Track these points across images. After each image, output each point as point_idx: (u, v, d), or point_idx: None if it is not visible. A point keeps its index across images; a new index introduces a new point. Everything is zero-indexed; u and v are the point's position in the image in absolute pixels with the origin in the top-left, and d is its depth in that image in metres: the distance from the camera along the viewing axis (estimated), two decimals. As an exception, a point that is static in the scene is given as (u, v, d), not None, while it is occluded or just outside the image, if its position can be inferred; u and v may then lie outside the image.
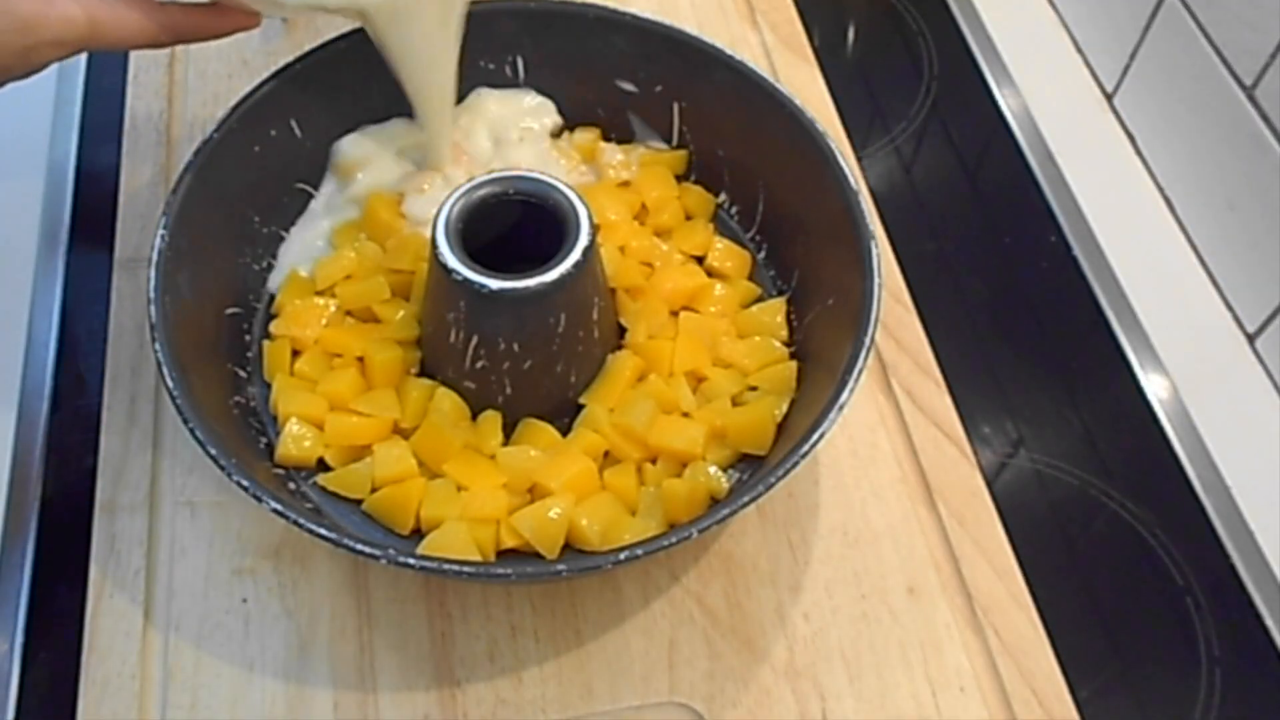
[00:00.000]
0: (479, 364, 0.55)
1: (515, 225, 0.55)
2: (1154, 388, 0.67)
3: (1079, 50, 0.80)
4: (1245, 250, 0.67)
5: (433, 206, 0.54)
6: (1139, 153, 0.75)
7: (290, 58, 0.60)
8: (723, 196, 0.65)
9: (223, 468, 0.48)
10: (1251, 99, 0.64)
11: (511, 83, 0.65)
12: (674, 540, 0.47)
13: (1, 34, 0.45)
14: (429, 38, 0.53)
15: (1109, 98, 0.78)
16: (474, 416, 0.57)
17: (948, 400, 0.63)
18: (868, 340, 0.52)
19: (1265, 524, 0.61)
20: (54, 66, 0.50)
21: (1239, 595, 0.60)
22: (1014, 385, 0.67)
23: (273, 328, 0.59)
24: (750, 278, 0.63)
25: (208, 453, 0.49)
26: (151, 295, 0.52)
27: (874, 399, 0.62)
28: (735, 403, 0.57)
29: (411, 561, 0.47)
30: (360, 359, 0.58)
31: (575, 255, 0.52)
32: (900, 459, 0.61)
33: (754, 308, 0.61)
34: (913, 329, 0.65)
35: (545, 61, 0.65)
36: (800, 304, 0.61)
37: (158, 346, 0.51)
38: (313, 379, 0.57)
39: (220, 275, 0.59)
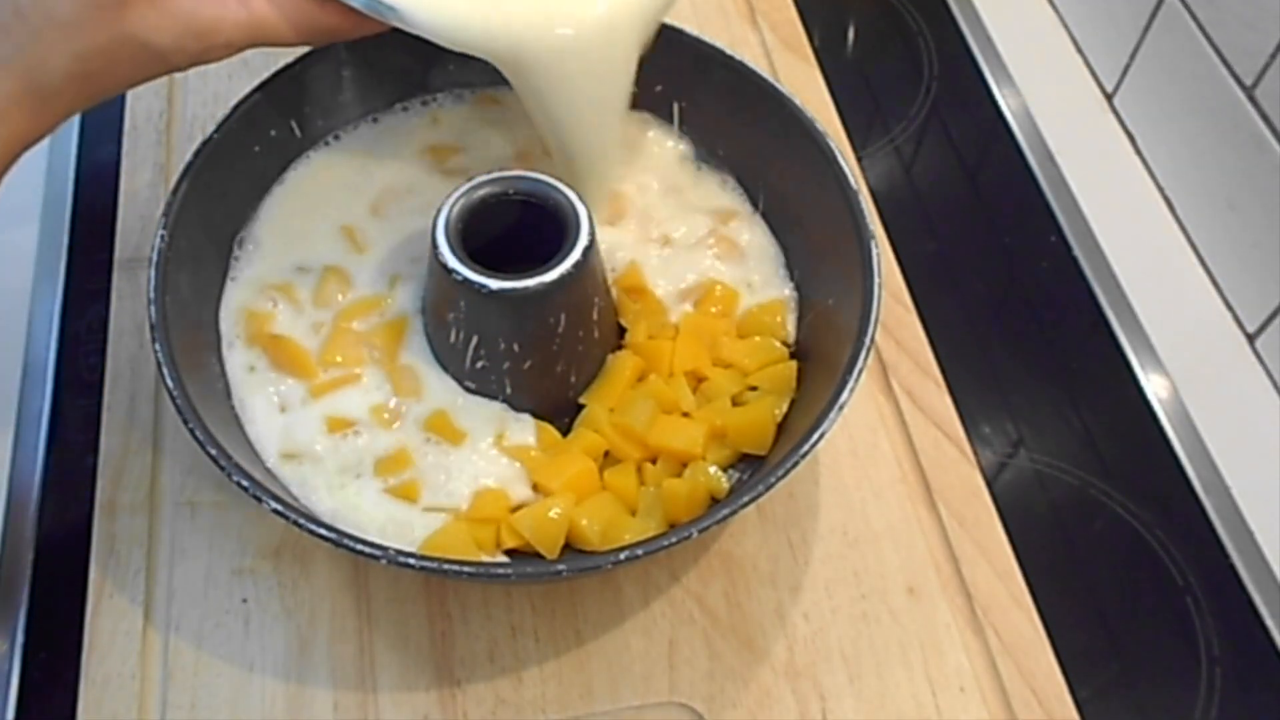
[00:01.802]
0: (479, 364, 0.55)
1: (515, 225, 0.55)
2: (1154, 388, 0.67)
3: (1079, 50, 0.80)
4: (1245, 250, 0.67)
5: None
6: (1139, 153, 0.75)
7: (290, 58, 0.60)
8: (723, 196, 0.65)
9: (223, 468, 0.48)
10: (1251, 99, 0.64)
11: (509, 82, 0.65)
12: (674, 540, 0.47)
13: (179, 39, 0.46)
14: (602, 79, 0.47)
15: (1109, 98, 0.78)
16: (474, 416, 0.57)
17: (948, 400, 0.63)
18: (868, 340, 0.52)
19: (1265, 524, 0.61)
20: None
21: (1239, 595, 0.60)
22: (1014, 385, 0.67)
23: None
24: (750, 277, 0.63)
25: (207, 453, 0.48)
26: (151, 295, 0.52)
27: (874, 399, 0.62)
28: (735, 403, 0.57)
29: (411, 561, 0.47)
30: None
31: (575, 255, 0.52)
32: (900, 459, 0.61)
33: (754, 307, 0.61)
34: (913, 329, 0.65)
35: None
36: (800, 304, 0.61)
37: (158, 346, 0.51)
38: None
39: (220, 275, 0.59)
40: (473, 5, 0.47)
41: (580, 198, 0.54)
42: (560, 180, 0.53)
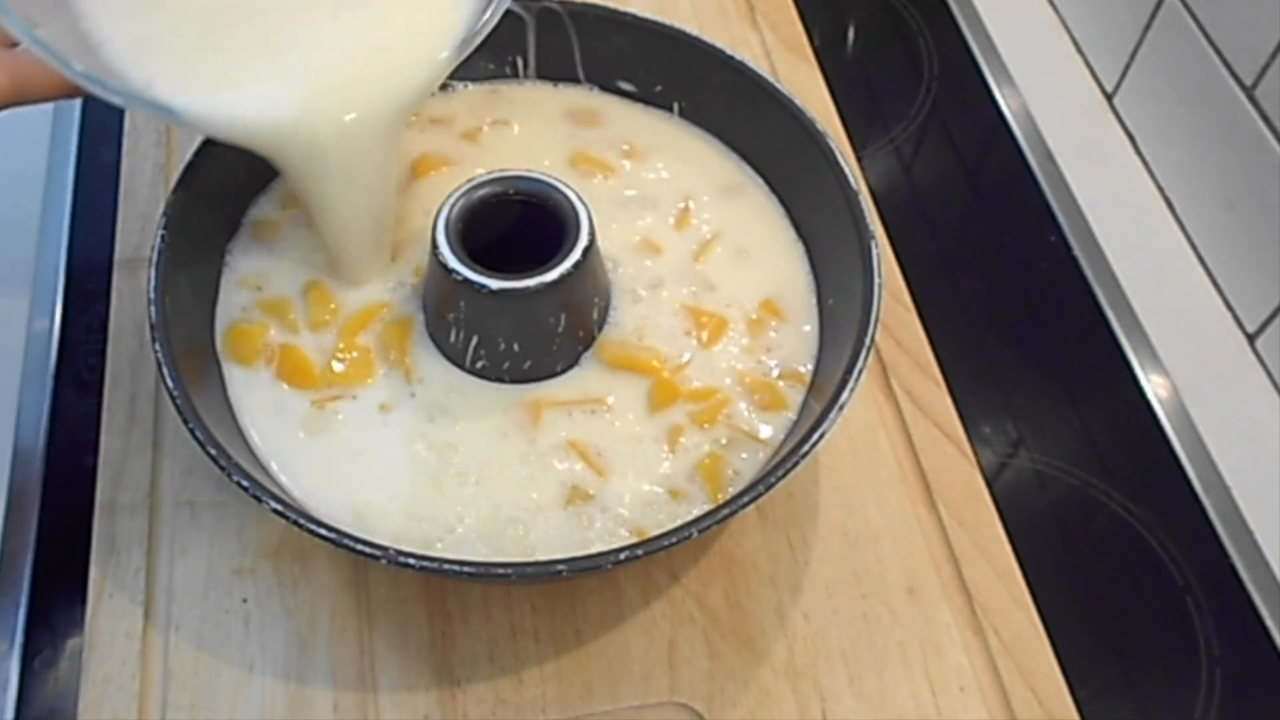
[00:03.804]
0: (479, 363, 0.55)
1: (515, 225, 0.55)
2: (1154, 388, 0.67)
3: (1079, 50, 0.80)
4: (1245, 250, 0.67)
5: None
6: (1139, 153, 0.75)
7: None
8: (723, 196, 0.65)
9: (223, 468, 0.48)
10: (1251, 99, 0.64)
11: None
12: (674, 540, 0.47)
13: None
14: (365, 165, 0.49)
15: (1109, 98, 0.78)
16: (474, 416, 0.57)
17: (948, 400, 0.63)
18: (868, 340, 0.52)
19: (1265, 524, 0.61)
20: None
21: (1239, 595, 0.60)
22: (1014, 385, 0.67)
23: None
24: (750, 278, 0.63)
25: (207, 453, 0.48)
26: (151, 295, 0.52)
27: (874, 399, 0.62)
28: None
29: (411, 561, 0.47)
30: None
31: (575, 255, 0.52)
32: (900, 459, 0.61)
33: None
34: (913, 329, 0.65)
35: (546, 61, 0.65)
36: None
37: (158, 346, 0.51)
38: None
39: (220, 275, 0.59)
40: (259, 98, 0.46)
41: (581, 197, 0.54)
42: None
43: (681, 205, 0.62)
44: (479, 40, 0.49)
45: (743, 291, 0.59)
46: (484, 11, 0.49)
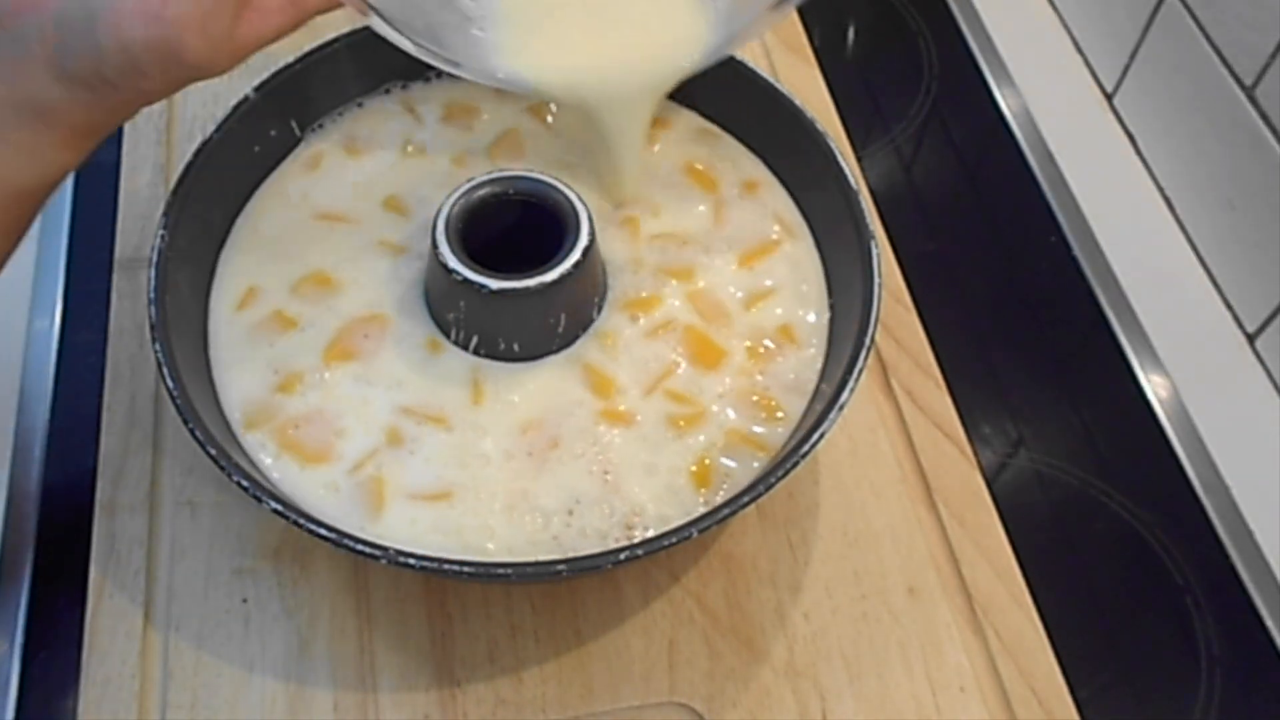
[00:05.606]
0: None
1: (515, 225, 0.55)
2: (1154, 388, 0.67)
3: (1079, 50, 0.80)
4: (1245, 250, 0.67)
5: None
6: (1139, 153, 0.75)
7: (290, 58, 0.60)
8: (723, 196, 0.65)
9: (223, 468, 0.48)
10: (1251, 99, 0.64)
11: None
12: (674, 540, 0.47)
13: (232, 64, 0.47)
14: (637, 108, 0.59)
15: (1109, 98, 0.78)
16: (474, 416, 0.57)
17: (948, 400, 0.63)
18: (868, 340, 0.52)
19: (1265, 524, 0.61)
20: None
21: (1239, 595, 0.60)
22: (1014, 385, 0.67)
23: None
24: (750, 278, 0.63)
25: (208, 453, 0.48)
26: (151, 295, 0.52)
27: (874, 399, 0.62)
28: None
29: (411, 561, 0.47)
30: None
31: (575, 255, 0.52)
32: (900, 459, 0.61)
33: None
34: (913, 329, 0.65)
35: (545, 61, 0.65)
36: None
37: (158, 346, 0.51)
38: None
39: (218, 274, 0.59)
40: (576, 64, 0.55)
41: (581, 198, 0.54)
42: (562, 180, 0.56)
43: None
44: (726, 51, 0.56)
45: (763, 316, 0.58)
46: (731, 32, 0.56)
